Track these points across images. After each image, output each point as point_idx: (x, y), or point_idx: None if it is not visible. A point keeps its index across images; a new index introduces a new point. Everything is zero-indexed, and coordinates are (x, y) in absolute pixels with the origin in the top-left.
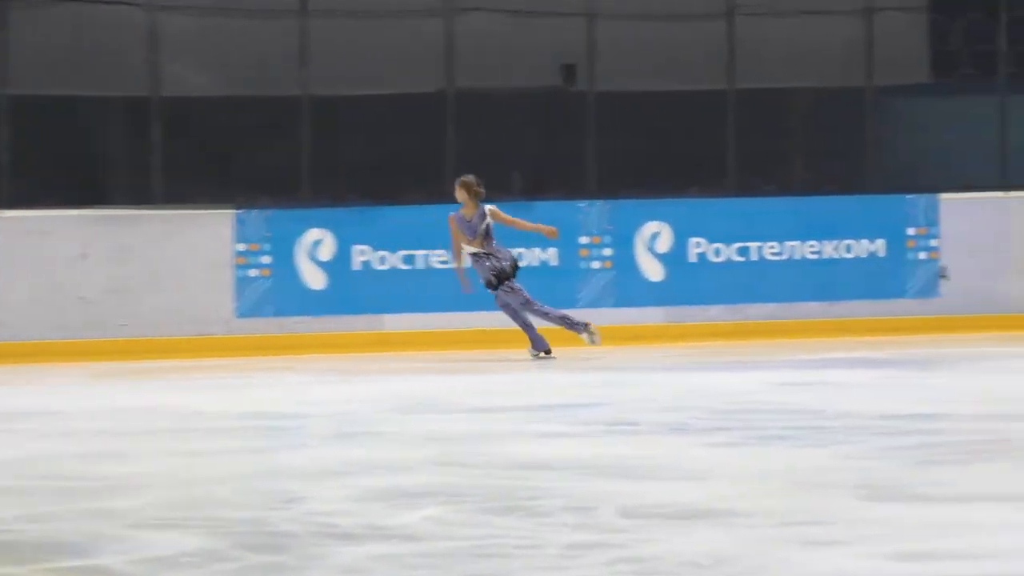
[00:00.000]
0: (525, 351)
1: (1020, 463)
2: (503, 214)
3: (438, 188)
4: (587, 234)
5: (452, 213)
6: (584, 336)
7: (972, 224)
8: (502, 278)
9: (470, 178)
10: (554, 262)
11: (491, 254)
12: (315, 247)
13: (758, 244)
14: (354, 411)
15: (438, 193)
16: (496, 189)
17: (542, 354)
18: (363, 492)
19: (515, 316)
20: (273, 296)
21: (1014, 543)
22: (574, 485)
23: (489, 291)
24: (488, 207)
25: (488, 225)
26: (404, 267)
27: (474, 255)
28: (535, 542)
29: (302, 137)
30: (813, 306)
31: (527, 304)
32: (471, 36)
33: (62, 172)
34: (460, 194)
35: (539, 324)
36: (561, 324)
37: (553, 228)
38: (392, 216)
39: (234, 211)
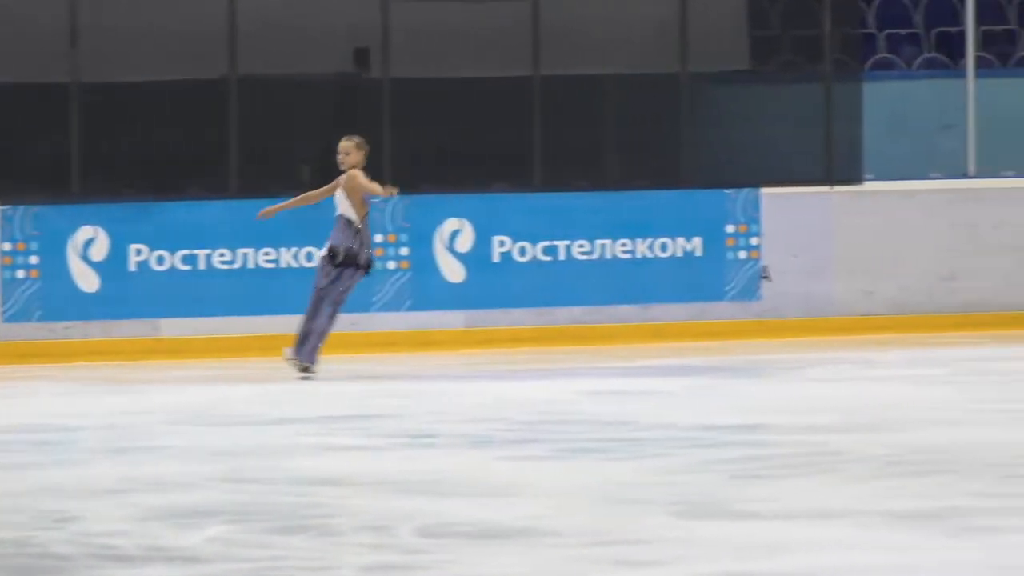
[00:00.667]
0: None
1: (845, 477)
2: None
3: (220, 182)
4: (382, 232)
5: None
6: (298, 363)
7: (795, 221)
8: (349, 262)
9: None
10: None
11: (361, 231)
12: (87, 246)
13: (566, 243)
14: (130, 423)
15: (220, 188)
16: (283, 183)
17: (305, 366)
18: (142, 511)
19: (313, 310)
20: (41, 299)
21: (840, 562)
22: (369, 502)
23: (321, 260)
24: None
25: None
26: (183, 268)
27: (348, 221)
28: (328, 563)
29: (71, 127)
30: (625, 309)
31: (333, 306)
32: (255, 18)
33: None
34: (360, 155)
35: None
36: (307, 340)
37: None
38: (171, 212)
39: None
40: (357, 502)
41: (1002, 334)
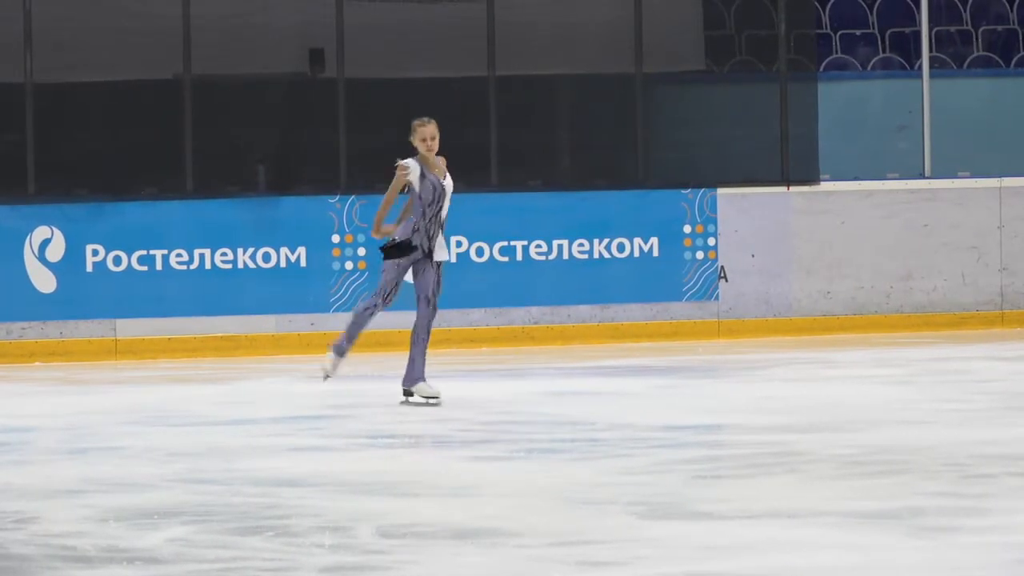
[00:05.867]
0: (268, 357)
1: (805, 477)
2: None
3: (176, 182)
4: (339, 232)
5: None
6: (329, 362)
7: (752, 221)
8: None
9: None
10: (303, 262)
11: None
12: (43, 246)
13: (523, 243)
14: (88, 424)
15: (176, 187)
16: (239, 184)
17: (335, 359)
18: (101, 512)
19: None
20: None
21: (800, 562)
22: (329, 503)
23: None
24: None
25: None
26: (140, 268)
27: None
28: (288, 565)
29: (26, 128)
30: (583, 309)
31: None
32: (209, 18)
33: None
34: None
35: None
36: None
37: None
38: (127, 212)
39: None
40: (316, 503)
41: (959, 333)
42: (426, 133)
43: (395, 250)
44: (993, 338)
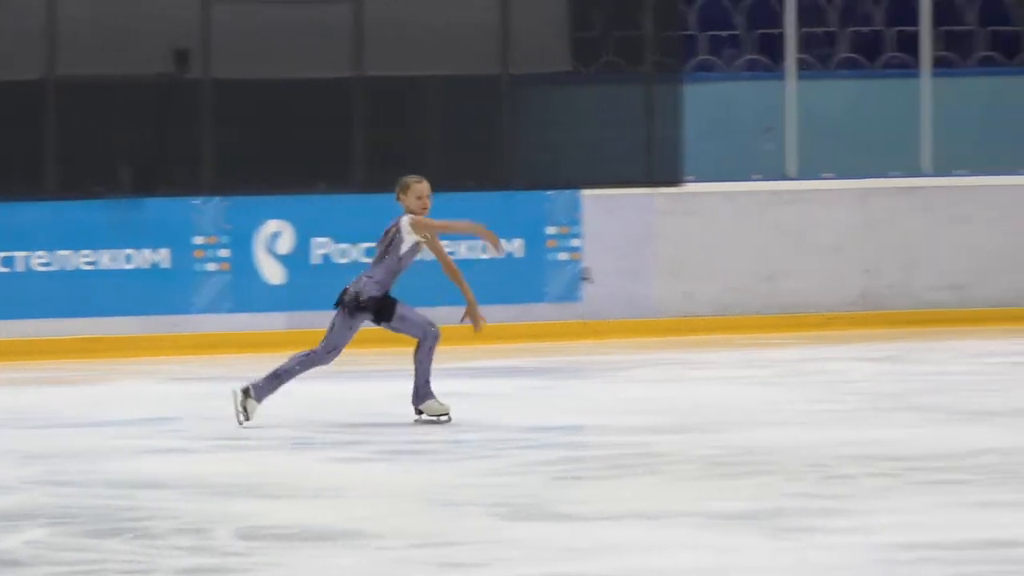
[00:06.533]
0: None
1: (668, 477)
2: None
3: (37, 183)
4: (202, 234)
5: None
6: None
7: (616, 222)
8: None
9: None
10: (166, 264)
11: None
12: None
13: None
14: None
15: (37, 189)
16: (103, 185)
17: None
18: None
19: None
20: None
21: (662, 563)
22: (188, 505)
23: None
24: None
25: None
26: (2, 269)
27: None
28: (146, 567)
29: None
30: (446, 310)
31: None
32: (74, 19)
33: None
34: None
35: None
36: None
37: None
38: None
39: None
40: (176, 505)
41: (822, 335)
42: (423, 191)
43: (379, 307)
44: (858, 339)
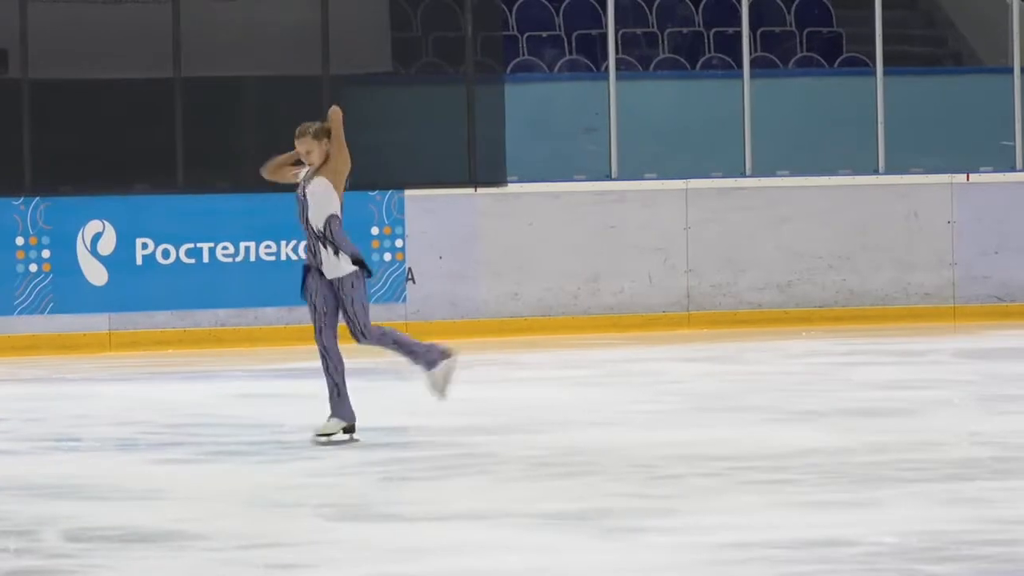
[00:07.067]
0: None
1: (495, 478)
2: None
3: None
4: (23, 235)
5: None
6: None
7: (439, 223)
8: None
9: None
10: None
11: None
12: None
13: (210, 245)
14: None
15: None
16: None
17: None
18: None
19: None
20: None
21: (488, 564)
22: (13, 507)
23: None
24: None
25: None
26: None
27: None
28: None
29: None
30: (270, 312)
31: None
32: None
33: None
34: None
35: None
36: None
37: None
38: None
39: None
40: (1, 507)
41: (646, 335)
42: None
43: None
44: (681, 339)
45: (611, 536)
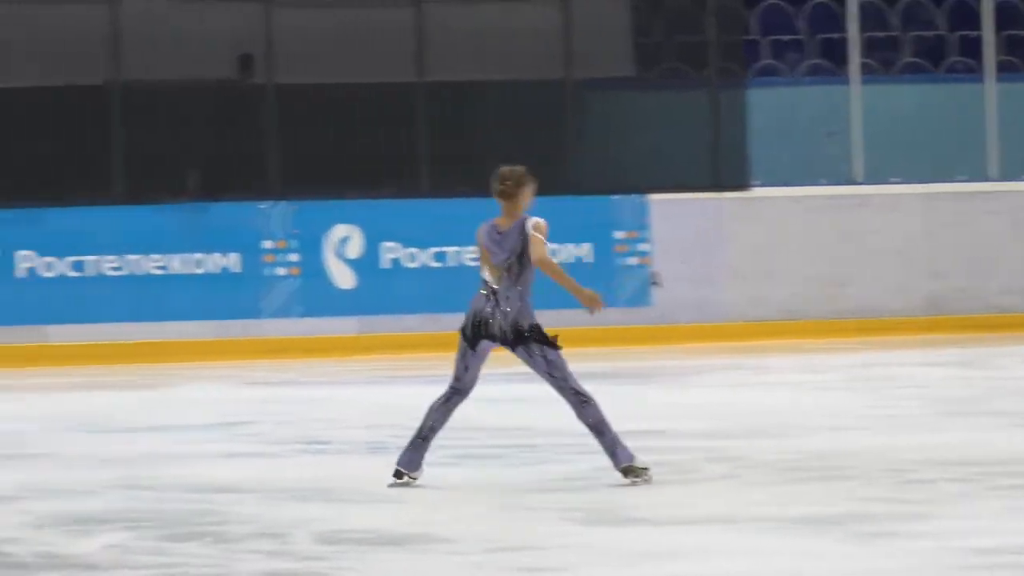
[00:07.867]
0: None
1: (742, 482)
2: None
3: (105, 189)
4: (271, 238)
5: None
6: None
7: (684, 227)
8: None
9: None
10: (236, 268)
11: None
12: None
13: (455, 248)
14: (21, 430)
15: (105, 193)
16: (168, 189)
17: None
18: (37, 518)
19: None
20: None
21: (742, 567)
22: (264, 509)
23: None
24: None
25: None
26: (73, 274)
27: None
28: (224, 570)
29: None
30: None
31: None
32: (138, 23)
33: None
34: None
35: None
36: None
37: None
38: (58, 219)
39: None
40: (252, 509)
41: (889, 339)
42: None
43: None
44: (926, 343)
45: (862, 541)
